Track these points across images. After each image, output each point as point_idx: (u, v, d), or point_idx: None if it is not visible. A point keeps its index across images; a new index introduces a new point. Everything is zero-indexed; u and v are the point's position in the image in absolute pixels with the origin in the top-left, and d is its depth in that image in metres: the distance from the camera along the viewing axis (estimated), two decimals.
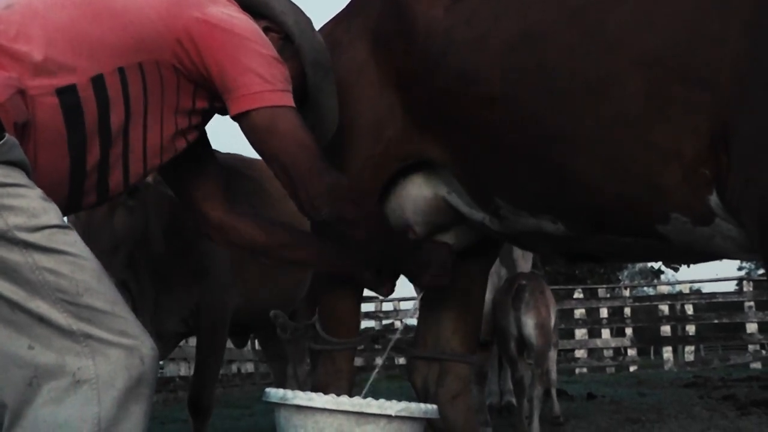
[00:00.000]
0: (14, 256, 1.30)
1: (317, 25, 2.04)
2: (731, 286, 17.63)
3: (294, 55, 1.87)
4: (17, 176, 1.35)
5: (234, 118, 1.70)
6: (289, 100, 1.70)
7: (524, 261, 4.55)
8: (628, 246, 1.88)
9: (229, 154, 3.75)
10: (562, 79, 1.74)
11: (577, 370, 11.84)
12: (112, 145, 1.59)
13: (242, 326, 3.86)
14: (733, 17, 1.53)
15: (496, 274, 4.15)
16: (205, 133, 1.92)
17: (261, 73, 1.66)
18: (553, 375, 4.24)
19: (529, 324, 3.80)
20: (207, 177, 1.93)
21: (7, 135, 1.34)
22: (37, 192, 1.37)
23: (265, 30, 1.79)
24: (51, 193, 1.41)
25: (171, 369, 8.73)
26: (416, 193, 2.18)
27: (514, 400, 4.85)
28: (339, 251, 2.03)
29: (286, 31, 1.89)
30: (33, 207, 1.34)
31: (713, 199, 1.61)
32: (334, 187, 1.75)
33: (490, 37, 1.88)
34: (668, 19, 1.62)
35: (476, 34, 1.91)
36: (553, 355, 4.10)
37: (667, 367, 11.72)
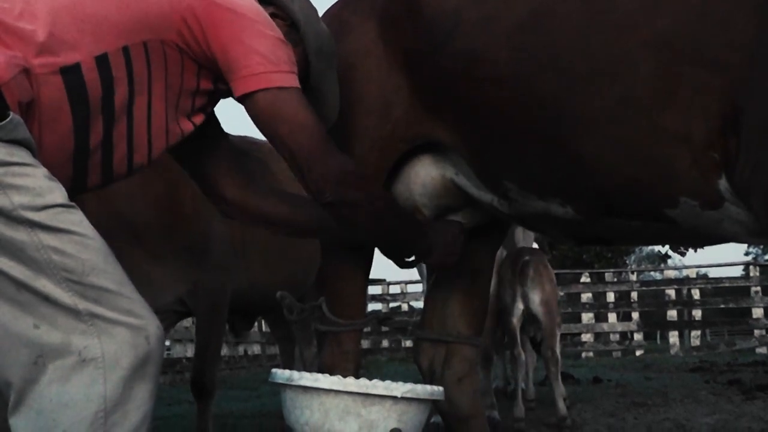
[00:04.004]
0: (19, 235, 1.30)
1: (321, 11, 2.03)
2: (738, 271, 17.66)
3: (298, 43, 1.86)
4: (22, 155, 1.35)
5: (238, 99, 1.68)
6: (294, 81, 1.68)
7: (525, 243, 4.54)
8: (637, 229, 1.87)
9: (237, 136, 3.73)
10: (571, 61, 1.73)
11: (584, 354, 11.87)
12: (115, 123, 1.58)
13: (247, 310, 3.84)
14: None
15: (498, 256, 4.15)
16: (213, 114, 1.91)
17: (265, 54, 1.64)
18: (558, 356, 4.25)
19: (535, 300, 3.83)
20: (220, 155, 1.92)
21: (11, 114, 1.33)
22: (42, 171, 1.37)
23: (272, 16, 1.78)
24: (55, 173, 1.41)
25: (178, 350, 8.80)
26: (424, 175, 2.16)
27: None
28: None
29: (291, 18, 1.88)
30: (38, 186, 1.33)
31: (722, 183, 1.59)
32: (339, 170, 1.72)
33: (498, 17, 1.86)
34: (679, 0, 1.61)
35: (485, 15, 1.89)
36: (557, 333, 4.12)
37: (673, 351, 11.73)
